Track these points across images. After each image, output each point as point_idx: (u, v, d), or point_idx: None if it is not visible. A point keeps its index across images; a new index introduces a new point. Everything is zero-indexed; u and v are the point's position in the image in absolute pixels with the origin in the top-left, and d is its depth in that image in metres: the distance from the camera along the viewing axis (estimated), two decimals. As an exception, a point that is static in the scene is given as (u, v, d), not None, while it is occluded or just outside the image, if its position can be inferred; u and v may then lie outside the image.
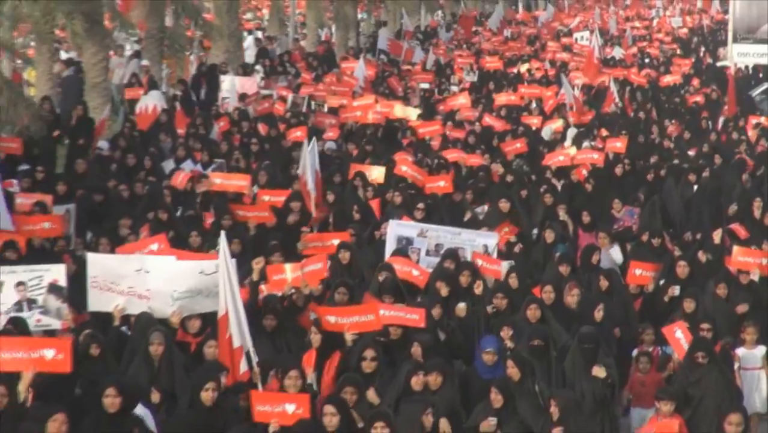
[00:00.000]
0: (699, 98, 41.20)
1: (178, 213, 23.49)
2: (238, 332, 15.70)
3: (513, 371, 15.75)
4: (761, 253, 20.80)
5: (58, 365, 14.47)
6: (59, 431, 13.07)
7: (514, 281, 19.31)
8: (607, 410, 16.29)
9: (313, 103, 37.35)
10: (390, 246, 21.23)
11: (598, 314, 18.17)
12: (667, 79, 45.40)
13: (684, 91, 44.21)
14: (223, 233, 16.60)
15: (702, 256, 21.46)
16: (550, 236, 22.67)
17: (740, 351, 18.02)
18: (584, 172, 27.78)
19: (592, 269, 20.79)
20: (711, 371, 16.41)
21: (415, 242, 21.30)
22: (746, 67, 49.57)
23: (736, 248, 20.77)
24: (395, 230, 21.54)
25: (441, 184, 25.89)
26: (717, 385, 16.33)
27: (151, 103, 33.63)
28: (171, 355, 15.60)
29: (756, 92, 44.45)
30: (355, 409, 14.38)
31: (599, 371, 16.14)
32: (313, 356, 16.28)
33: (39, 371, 14.41)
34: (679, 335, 17.10)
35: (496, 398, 15.10)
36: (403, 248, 21.06)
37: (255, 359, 15.85)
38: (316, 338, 16.48)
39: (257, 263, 18.72)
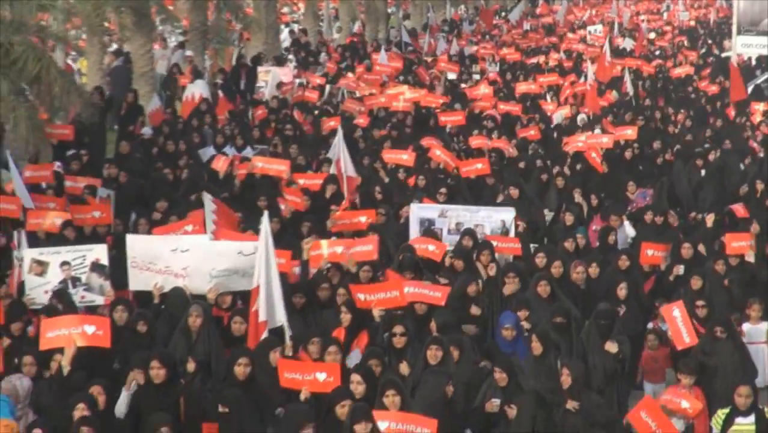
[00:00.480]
0: (714, 87, 40.79)
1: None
2: (266, 307, 15.46)
3: (536, 345, 15.51)
4: (749, 235, 20.51)
5: (98, 339, 14.36)
6: (101, 400, 13.02)
7: (542, 260, 19.13)
8: (618, 383, 16.15)
9: (346, 92, 37.03)
10: (414, 228, 21.04)
11: (621, 291, 17.96)
12: (678, 71, 44.89)
13: (697, 78, 43.76)
14: (266, 213, 16.38)
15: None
16: (569, 218, 22.33)
17: (745, 326, 17.86)
18: (593, 155, 27.32)
19: (609, 249, 20.62)
20: (728, 345, 16.26)
21: (436, 223, 21.11)
22: (749, 57, 49.18)
23: (727, 235, 20.50)
24: (417, 212, 21.37)
25: (478, 166, 25.50)
26: (733, 358, 16.15)
27: (197, 91, 33.52)
28: (208, 327, 15.42)
29: (761, 80, 44.24)
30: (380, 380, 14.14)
31: (611, 347, 16.02)
32: (342, 334, 16.04)
33: (80, 345, 14.24)
34: (676, 314, 16.85)
35: (501, 377, 14.76)
36: (427, 229, 20.85)
37: (288, 333, 15.62)
38: (346, 317, 16.27)
39: (306, 243, 18.76)
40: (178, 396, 13.68)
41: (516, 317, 16.82)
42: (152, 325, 15.69)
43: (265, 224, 15.94)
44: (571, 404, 14.13)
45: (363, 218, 21.06)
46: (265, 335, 15.36)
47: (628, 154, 28.44)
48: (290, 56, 44.38)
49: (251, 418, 13.42)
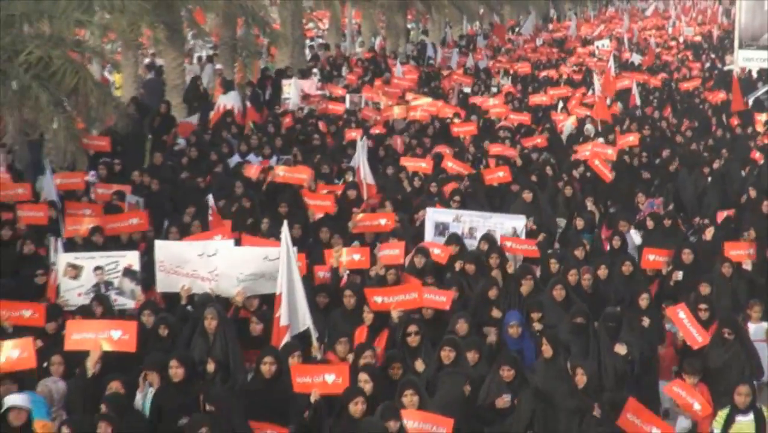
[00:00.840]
0: (722, 95, 40.56)
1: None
2: (288, 312, 15.34)
3: (546, 348, 15.17)
4: (747, 244, 20.41)
5: (124, 344, 14.23)
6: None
7: (554, 266, 18.99)
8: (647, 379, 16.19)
9: (370, 103, 37.00)
10: (429, 231, 20.90)
11: (643, 302, 17.63)
12: (686, 84, 44.64)
13: (703, 90, 43.55)
14: (285, 222, 16.27)
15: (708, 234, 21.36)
16: (580, 223, 22.22)
17: (748, 325, 17.61)
18: (597, 163, 27.11)
19: (615, 253, 20.45)
20: (735, 345, 16.08)
21: (450, 227, 20.91)
22: (749, 71, 49.08)
23: (726, 244, 20.36)
24: (432, 216, 21.23)
25: (500, 174, 25.30)
26: (741, 359, 15.98)
27: (228, 102, 33.54)
28: (224, 329, 15.24)
29: (761, 92, 43.98)
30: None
31: (620, 349, 15.89)
32: (365, 332, 15.94)
33: (106, 349, 14.14)
34: (681, 316, 16.72)
35: (509, 374, 14.56)
36: (441, 233, 20.68)
37: (315, 335, 15.51)
38: (368, 316, 16.17)
39: (336, 251, 18.63)
40: (197, 394, 13.49)
41: (520, 315, 16.66)
42: (174, 328, 15.56)
43: (285, 232, 15.81)
44: (597, 411, 13.87)
45: (383, 221, 21.02)
46: (287, 339, 15.21)
47: (635, 161, 28.19)
48: (315, 69, 44.29)
49: (238, 417, 13.22)
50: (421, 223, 21.46)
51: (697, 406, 13.82)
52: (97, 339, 14.09)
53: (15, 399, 12.37)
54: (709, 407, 14.15)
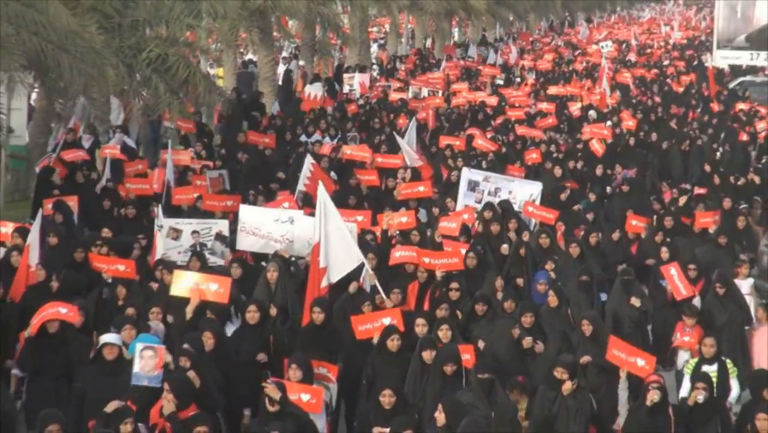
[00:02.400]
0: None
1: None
2: (325, 257, 14.56)
3: (552, 299, 14.61)
4: (713, 213, 19.87)
5: (219, 296, 13.66)
6: (209, 344, 12.35)
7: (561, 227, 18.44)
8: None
9: (426, 90, 36.52)
10: (463, 186, 20.43)
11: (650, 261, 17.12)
12: (684, 78, 43.62)
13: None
14: (320, 183, 15.70)
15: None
16: (592, 196, 21.78)
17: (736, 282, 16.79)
18: (593, 142, 26.83)
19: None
20: (729, 299, 15.43)
21: (480, 185, 20.45)
22: (726, 67, 48.21)
23: (696, 213, 19.79)
24: (467, 174, 20.74)
25: (533, 156, 24.70)
26: (734, 309, 15.35)
27: (313, 91, 33.16)
28: (284, 279, 14.68)
29: (733, 84, 43.14)
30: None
31: (635, 301, 15.23)
32: (416, 288, 15.27)
33: (204, 299, 13.58)
34: (672, 272, 16.05)
35: (530, 320, 13.75)
36: (472, 189, 20.28)
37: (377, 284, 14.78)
38: (422, 275, 15.49)
39: (387, 215, 18.02)
40: (269, 335, 13.04)
41: (548, 274, 15.95)
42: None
43: (321, 191, 15.10)
44: (585, 359, 12.98)
45: (421, 188, 20.56)
46: (325, 281, 14.57)
47: (632, 141, 27.63)
48: (374, 65, 43.81)
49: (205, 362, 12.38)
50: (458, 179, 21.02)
51: (641, 362, 12.62)
52: (197, 289, 13.58)
53: (109, 337, 11.83)
54: (653, 360, 12.87)
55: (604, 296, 16.25)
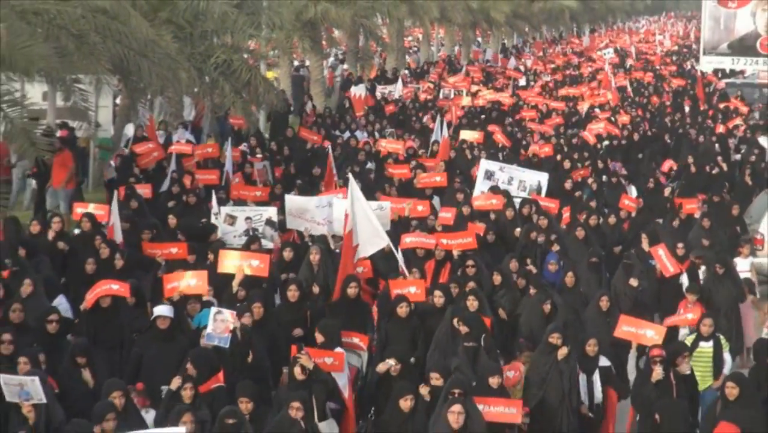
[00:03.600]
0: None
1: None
2: (356, 234, 13.89)
3: (570, 279, 14.05)
4: (696, 199, 19.25)
5: (260, 270, 13.13)
6: (258, 313, 11.83)
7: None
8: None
9: (453, 91, 35.89)
10: (480, 176, 19.75)
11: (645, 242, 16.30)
12: (675, 83, 42.59)
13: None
14: (350, 176, 15.17)
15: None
16: (594, 185, 21.03)
17: (737, 260, 16.25)
18: (587, 134, 26.48)
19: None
20: (726, 278, 14.77)
21: (496, 174, 19.76)
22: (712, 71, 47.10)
23: (683, 200, 19.04)
24: (484, 165, 20.04)
25: (546, 150, 23.91)
26: (731, 291, 14.70)
27: (358, 92, 32.60)
28: (326, 260, 14.14)
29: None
30: None
31: (634, 281, 14.53)
32: (433, 265, 14.70)
33: (247, 273, 13.07)
34: (660, 253, 15.38)
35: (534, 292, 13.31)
36: (489, 177, 19.61)
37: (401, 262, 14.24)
38: (440, 252, 14.88)
39: (407, 204, 17.45)
40: (306, 312, 12.53)
41: (557, 256, 15.30)
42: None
43: (351, 180, 14.57)
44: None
45: (438, 178, 19.97)
46: (357, 256, 13.93)
47: (636, 136, 26.86)
48: (406, 71, 43.22)
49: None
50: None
51: (650, 333, 12.05)
52: (241, 265, 13.11)
53: (161, 309, 11.33)
54: (663, 330, 12.32)
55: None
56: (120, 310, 11.76)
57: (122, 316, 11.71)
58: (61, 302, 12.22)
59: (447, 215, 16.85)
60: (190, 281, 12.22)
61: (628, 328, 12.19)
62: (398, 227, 16.15)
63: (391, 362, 10.75)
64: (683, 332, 13.57)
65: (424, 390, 10.16)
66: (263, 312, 11.84)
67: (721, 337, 12.67)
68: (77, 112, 21.34)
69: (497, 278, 13.86)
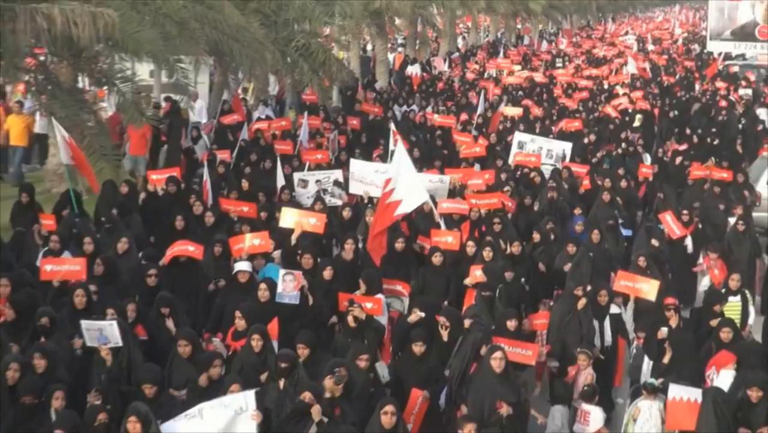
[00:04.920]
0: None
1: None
2: (399, 192, 12.95)
3: (596, 236, 13.13)
4: (706, 167, 17.88)
5: (316, 228, 12.30)
6: (308, 264, 11.10)
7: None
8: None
9: (495, 71, 34.67)
10: (514, 146, 18.71)
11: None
12: (687, 63, 40.72)
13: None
14: (400, 142, 14.28)
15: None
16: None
17: (731, 219, 15.18)
18: (609, 108, 24.96)
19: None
20: (746, 235, 13.86)
21: (527, 144, 18.70)
22: (719, 53, 45.12)
23: (692, 166, 17.86)
24: (517, 137, 19.01)
25: (576, 124, 22.41)
26: (748, 245, 13.82)
27: (414, 70, 31.78)
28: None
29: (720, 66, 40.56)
30: None
31: (655, 242, 13.45)
32: (468, 225, 13.69)
33: (305, 230, 12.23)
34: (668, 218, 14.34)
35: (572, 249, 12.37)
36: (521, 147, 18.57)
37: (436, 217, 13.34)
38: (474, 213, 13.87)
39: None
40: (358, 264, 11.61)
41: (583, 218, 14.35)
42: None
43: (400, 145, 13.75)
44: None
45: (477, 149, 18.78)
46: (399, 210, 12.98)
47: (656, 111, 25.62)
48: (455, 54, 41.92)
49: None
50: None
51: (646, 287, 11.01)
52: (300, 222, 12.35)
53: (241, 265, 10.72)
54: (657, 283, 11.26)
55: (628, 232, 14.71)
56: (197, 265, 11.12)
57: (199, 270, 11.08)
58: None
59: (478, 181, 15.85)
60: (254, 241, 11.57)
61: (625, 282, 11.37)
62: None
63: (420, 313, 10.01)
64: (704, 282, 12.75)
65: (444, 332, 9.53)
66: (312, 262, 11.16)
67: (747, 291, 11.70)
68: (179, 87, 21.12)
69: (536, 236, 13.05)
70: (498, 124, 22.40)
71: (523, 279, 11.86)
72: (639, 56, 40.41)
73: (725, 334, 9.64)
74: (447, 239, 12.25)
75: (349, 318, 9.61)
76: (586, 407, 9.04)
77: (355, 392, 8.15)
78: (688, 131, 22.16)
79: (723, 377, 8.82)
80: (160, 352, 9.08)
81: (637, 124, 23.97)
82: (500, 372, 8.59)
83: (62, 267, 10.19)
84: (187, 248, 11.04)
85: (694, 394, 8.11)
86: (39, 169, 19.69)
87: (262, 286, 10.03)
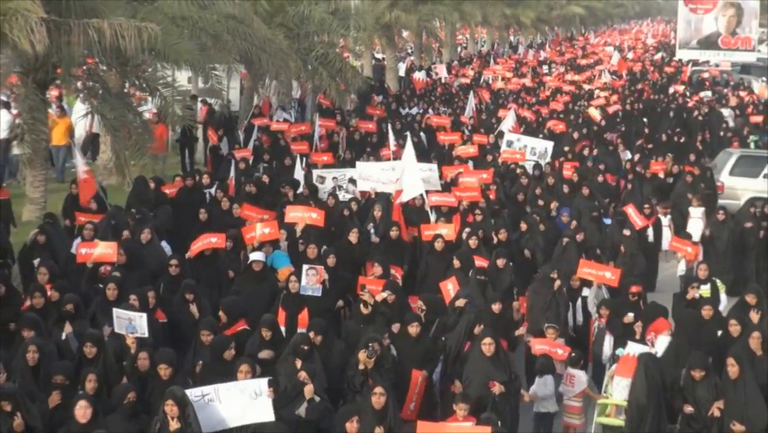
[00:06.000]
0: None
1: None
2: (401, 183, 12.64)
3: (573, 225, 12.75)
4: (663, 162, 17.37)
5: (316, 221, 11.71)
6: (313, 253, 10.66)
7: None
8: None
9: (491, 76, 33.88)
10: (504, 143, 18.00)
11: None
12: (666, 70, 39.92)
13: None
14: (409, 136, 13.89)
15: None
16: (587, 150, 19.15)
17: (690, 209, 14.78)
18: (591, 110, 24.27)
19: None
20: (727, 223, 13.37)
21: (514, 143, 18.04)
22: (688, 61, 44.17)
23: (651, 162, 17.33)
24: (507, 136, 18.38)
25: (560, 126, 21.46)
26: (730, 232, 13.32)
27: (420, 77, 31.02)
28: (387, 214, 12.65)
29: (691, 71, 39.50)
30: None
31: (626, 231, 12.99)
32: (459, 216, 13.12)
33: (307, 223, 11.68)
34: (630, 211, 13.71)
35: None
36: (509, 145, 17.90)
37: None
38: (463, 205, 13.36)
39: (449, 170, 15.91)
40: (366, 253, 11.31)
41: (568, 209, 13.80)
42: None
43: (409, 141, 13.33)
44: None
45: (471, 149, 18.14)
46: (402, 198, 12.58)
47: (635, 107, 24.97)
48: (456, 62, 41.10)
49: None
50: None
51: (608, 275, 10.46)
52: (303, 217, 11.79)
53: (256, 255, 10.26)
54: (618, 272, 10.74)
55: (608, 220, 14.18)
56: (218, 256, 10.68)
57: (220, 260, 10.64)
58: (165, 245, 11.19)
59: (471, 179, 15.12)
60: (264, 230, 11.06)
61: (588, 270, 10.75)
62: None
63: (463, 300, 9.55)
64: (681, 267, 12.32)
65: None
66: (316, 252, 10.71)
67: (717, 280, 11.12)
68: (213, 92, 20.76)
69: (524, 225, 12.56)
70: (493, 125, 21.76)
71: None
72: (622, 62, 39.66)
73: (706, 312, 9.26)
74: (443, 231, 11.74)
75: (361, 306, 9.16)
76: (571, 371, 8.90)
77: (387, 366, 7.95)
78: (646, 131, 21.48)
79: (660, 341, 8.77)
80: (183, 335, 8.70)
81: (595, 112, 23.20)
82: (491, 355, 8.21)
83: (96, 250, 9.87)
84: (210, 240, 10.61)
85: (641, 351, 8.31)
86: (91, 163, 19.45)
87: (292, 278, 9.59)
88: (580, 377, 8.82)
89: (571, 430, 8.85)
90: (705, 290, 10.76)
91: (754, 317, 9.15)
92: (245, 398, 6.81)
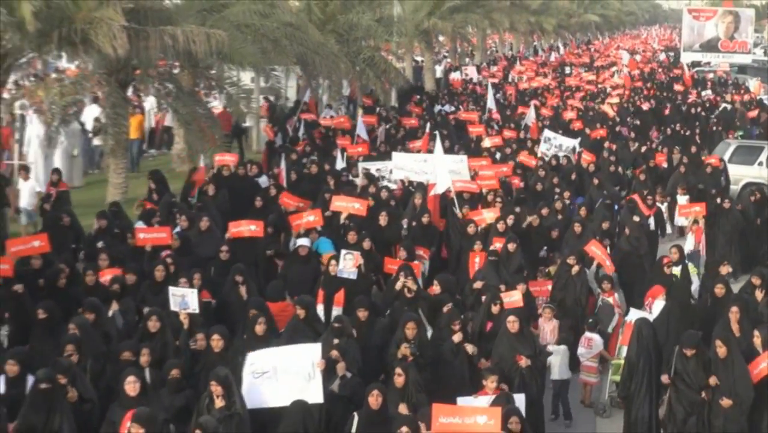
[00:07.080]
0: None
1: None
2: (434, 176, 11.91)
3: (583, 211, 11.81)
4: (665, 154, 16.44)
5: (359, 211, 10.95)
6: (353, 239, 9.89)
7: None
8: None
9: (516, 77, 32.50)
10: (542, 139, 16.95)
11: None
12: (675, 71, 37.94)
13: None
14: (437, 134, 13.18)
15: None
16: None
17: (678, 197, 13.69)
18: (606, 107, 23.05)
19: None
20: (731, 210, 12.55)
21: (551, 139, 16.81)
22: (690, 62, 42.12)
23: (656, 154, 16.30)
24: (546, 132, 17.27)
25: (578, 124, 20.23)
26: (734, 218, 12.48)
27: (456, 76, 30.14)
28: (424, 202, 11.82)
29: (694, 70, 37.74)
30: None
31: (636, 218, 11.93)
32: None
33: (351, 213, 10.89)
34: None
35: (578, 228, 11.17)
36: (546, 141, 16.73)
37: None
38: (488, 192, 12.58)
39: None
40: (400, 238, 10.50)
41: (583, 198, 12.95)
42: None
43: (438, 139, 12.66)
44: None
45: (497, 140, 17.11)
46: (432, 192, 11.83)
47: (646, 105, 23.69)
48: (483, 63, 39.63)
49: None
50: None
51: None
52: (347, 207, 11.03)
53: (302, 241, 9.67)
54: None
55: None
56: (256, 240, 10.01)
57: (258, 243, 9.99)
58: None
59: (489, 173, 14.00)
60: (309, 218, 10.44)
61: (595, 249, 10.13)
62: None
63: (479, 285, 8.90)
64: (688, 243, 11.51)
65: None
66: (356, 238, 9.99)
67: (690, 264, 10.30)
68: (274, 90, 20.36)
69: (545, 210, 11.77)
70: (521, 122, 20.71)
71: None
72: (633, 61, 37.97)
73: (719, 289, 8.67)
74: (488, 215, 11.11)
75: (405, 291, 8.48)
76: (589, 334, 8.62)
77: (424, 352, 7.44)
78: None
79: (656, 305, 8.58)
80: (231, 314, 8.18)
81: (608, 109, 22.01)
82: (515, 332, 7.56)
83: (151, 235, 9.48)
84: (249, 228, 9.99)
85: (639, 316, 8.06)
86: (167, 153, 19.31)
87: (332, 261, 8.99)
88: (597, 340, 8.57)
89: (587, 387, 8.73)
90: (676, 271, 9.89)
91: (759, 296, 8.59)
92: (300, 380, 6.35)
